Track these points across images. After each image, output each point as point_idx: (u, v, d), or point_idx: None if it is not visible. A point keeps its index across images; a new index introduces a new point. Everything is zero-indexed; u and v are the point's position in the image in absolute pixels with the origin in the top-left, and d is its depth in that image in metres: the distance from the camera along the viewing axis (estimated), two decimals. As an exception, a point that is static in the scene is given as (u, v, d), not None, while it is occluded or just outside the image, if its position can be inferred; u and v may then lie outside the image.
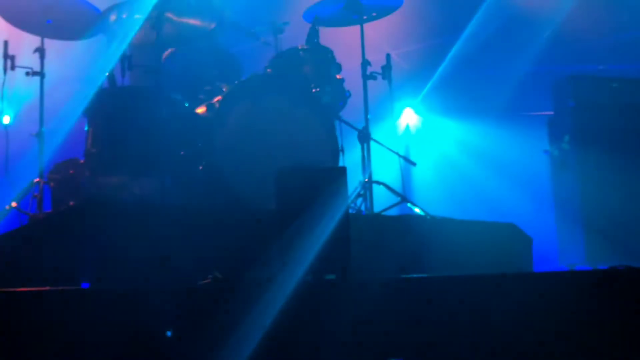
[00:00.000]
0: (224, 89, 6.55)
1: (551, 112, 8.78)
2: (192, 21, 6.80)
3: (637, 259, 7.39)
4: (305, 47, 7.05)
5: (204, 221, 5.44)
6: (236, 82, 6.63)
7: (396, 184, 7.24)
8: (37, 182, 6.69)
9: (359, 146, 7.17)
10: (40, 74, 6.95)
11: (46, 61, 7.00)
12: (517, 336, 4.31)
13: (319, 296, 4.27)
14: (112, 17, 6.57)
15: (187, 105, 6.67)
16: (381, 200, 7.12)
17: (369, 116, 7.22)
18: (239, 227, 5.39)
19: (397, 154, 7.47)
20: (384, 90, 7.32)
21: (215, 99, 6.40)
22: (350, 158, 7.07)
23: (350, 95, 7.13)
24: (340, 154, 6.72)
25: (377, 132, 7.38)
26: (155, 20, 6.49)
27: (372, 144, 7.20)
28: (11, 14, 7.05)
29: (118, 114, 6.43)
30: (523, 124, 9.97)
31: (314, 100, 6.62)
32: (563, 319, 4.34)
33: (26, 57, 7.02)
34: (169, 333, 4.96)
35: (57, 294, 4.10)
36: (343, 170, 4.70)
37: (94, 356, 3.98)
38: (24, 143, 7.10)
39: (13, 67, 6.92)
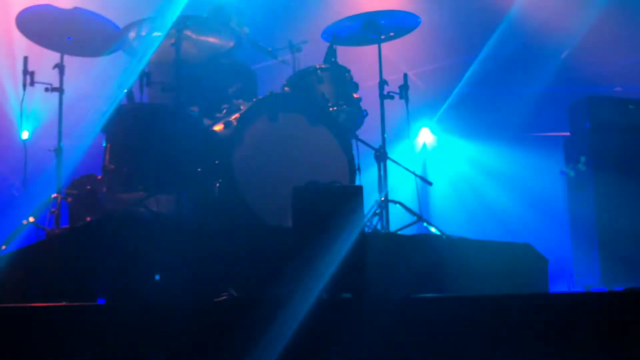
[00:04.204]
0: (241, 107, 6.57)
1: (567, 133, 8.78)
2: (211, 39, 6.83)
3: (654, 281, 7.39)
4: (323, 66, 7.08)
5: (220, 238, 5.45)
6: (254, 100, 6.65)
7: (412, 203, 7.24)
8: (55, 197, 6.72)
9: (375, 165, 7.19)
10: (60, 90, 7.00)
11: (65, 77, 7.05)
12: (533, 357, 4.31)
13: (334, 315, 4.27)
14: (132, 35, 6.61)
15: (204, 122, 6.70)
16: (397, 219, 7.13)
17: (385, 135, 7.24)
18: (256, 245, 5.40)
19: (413, 173, 7.48)
20: (401, 110, 7.34)
21: (233, 117, 6.42)
22: (367, 177, 7.09)
23: (367, 114, 7.15)
24: (357, 172, 6.73)
25: (393, 151, 7.39)
26: (174, 38, 6.54)
27: (389, 163, 7.22)
28: (31, 30, 7.11)
29: (136, 130, 6.46)
30: (539, 145, 9.97)
31: (331, 119, 6.64)
32: (579, 340, 4.33)
33: (46, 73, 7.07)
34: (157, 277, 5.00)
35: (73, 309, 4.11)
36: (359, 189, 4.70)
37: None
38: (42, 158, 7.13)
39: (32, 83, 6.96)
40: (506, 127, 10.29)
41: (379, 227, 6.93)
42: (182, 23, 6.55)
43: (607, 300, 4.68)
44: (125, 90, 6.75)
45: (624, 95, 9.44)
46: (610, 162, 8.27)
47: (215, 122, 6.61)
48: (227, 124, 6.38)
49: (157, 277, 5.00)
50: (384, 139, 7.22)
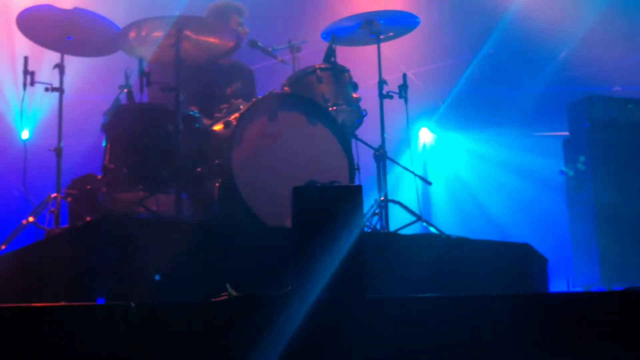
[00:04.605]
0: (241, 107, 6.58)
1: (567, 133, 8.80)
2: (211, 39, 6.83)
3: (653, 281, 7.40)
4: (322, 65, 7.08)
5: (220, 238, 5.45)
6: (253, 99, 6.66)
7: (412, 203, 7.25)
8: (55, 197, 6.73)
9: (375, 165, 7.20)
10: (60, 90, 6.99)
11: (65, 77, 7.05)
12: (532, 356, 4.31)
13: (334, 315, 4.27)
14: (132, 35, 6.60)
15: (204, 122, 6.71)
16: (397, 219, 7.14)
17: (384, 135, 7.25)
18: (255, 244, 5.41)
19: (412, 173, 7.48)
20: (400, 110, 7.34)
21: (233, 116, 6.43)
22: (366, 177, 7.10)
23: (366, 114, 7.15)
24: (357, 172, 6.74)
25: (393, 151, 7.40)
26: (174, 38, 6.54)
27: (388, 162, 7.22)
28: (32, 30, 7.10)
29: (136, 130, 6.46)
30: (539, 144, 10.00)
31: (331, 119, 6.64)
32: (578, 340, 4.33)
33: (46, 73, 7.07)
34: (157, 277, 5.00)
35: (72, 309, 4.11)
36: (359, 188, 4.70)
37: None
38: (42, 158, 7.13)
39: (32, 83, 6.95)
40: (505, 127, 10.31)
41: (378, 226, 6.93)
42: (182, 23, 6.55)
43: (606, 300, 4.68)
44: (125, 90, 6.76)
45: (623, 95, 9.47)
46: (609, 162, 8.30)
47: (215, 122, 6.62)
48: (227, 124, 6.39)
49: (157, 277, 5.00)
50: (383, 139, 7.22)
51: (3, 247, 6.56)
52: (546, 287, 6.11)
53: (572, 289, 8.25)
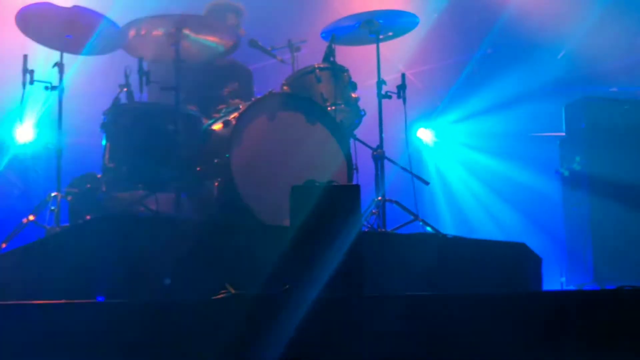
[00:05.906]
0: (240, 106, 6.61)
1: (563, 133, 8.82)
2: (210, 38, 6.86)
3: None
4: (321, 65, 7.11)
5: (219, 237, 5.48)
6: (253, 99, 6.69)
7: (409, 203, 7.27)
8: (55, 195, 6.73)
9: (373, 164, 7.22)
10: (59, 88, 7.00)
11: (65, 76, 7.06)
12: (525, 354, 4.34)
13: (333, 312, 4.31)
14: (131, 33, 6.63)
15: (203, 121, 6.73)
16: (394, 218, 7.16)
17: (383, 135, 7.27)
18: (253, 243, 5.44)
19: (410, 172, 7.50)
20: (399, 110, 7.36)
21: (232, 116, 6.46)
22: (364, 176, 7.12)
23: (365, 114, 7.18)
24: (355, 172, 6.76)
25: (391, 151, 7.42)
26: (173, 37, 6.57)
27: (386, 162, 7.24)
28: (31, 28, 7.10)
29: (135, 129, 6.49)
30: (535, 144, 10.01)
31: (330, 119, 6.67)
32: (570, 338, 4.37)
33: (45, 72, 7.07)
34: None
35: (72, 307, 4.14)
36: (357, 188, 4.73)
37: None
38: (42, 157, 7.14)
39: (32, 82, 6.95)
40: (502, 127, 10.33)
41: (375, 226, 6.95)
42: (182, 22, 6.58)
43: (598, 298, 4.72)
44: (125, 89, 6.77)
45: (620, 96, 9.50)
46: (604, 162, 8.33)
47: (214, 122, 6.65)
48: (226, 123, 6.42)
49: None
50: (381, 139, 7.24)
51: (4, 245, 6.57)
52: (540, 285, 6.14)
53: (566, 288, 8.29)
